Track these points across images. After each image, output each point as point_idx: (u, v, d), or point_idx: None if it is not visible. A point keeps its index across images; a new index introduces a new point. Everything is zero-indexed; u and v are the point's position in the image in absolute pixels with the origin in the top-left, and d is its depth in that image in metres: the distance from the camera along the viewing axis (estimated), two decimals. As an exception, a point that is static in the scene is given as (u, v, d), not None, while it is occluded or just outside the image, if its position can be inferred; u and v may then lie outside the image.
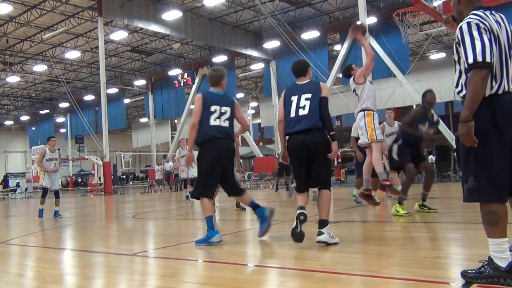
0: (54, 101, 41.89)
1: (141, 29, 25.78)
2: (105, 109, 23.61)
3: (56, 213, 9.68)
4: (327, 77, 25.05)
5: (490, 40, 2.54)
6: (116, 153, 31.43)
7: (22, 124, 48.89)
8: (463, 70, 2.66)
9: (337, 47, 27.89)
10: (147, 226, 7.97)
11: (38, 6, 22.57)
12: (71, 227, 8.21)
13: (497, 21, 2.67)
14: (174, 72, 31.57)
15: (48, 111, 43.05)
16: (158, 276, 3.62)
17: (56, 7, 22.56)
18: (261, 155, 31.13)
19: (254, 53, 28.93)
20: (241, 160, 36.08)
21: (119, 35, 25.70)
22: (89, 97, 37.76)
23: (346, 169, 20.31)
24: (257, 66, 31.91)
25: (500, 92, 2.61)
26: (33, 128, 45.17)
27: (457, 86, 2.73)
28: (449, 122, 33.15)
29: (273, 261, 4.03)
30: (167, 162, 24.29)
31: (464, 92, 2.66)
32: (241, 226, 6.94)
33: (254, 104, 40.62)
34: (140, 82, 35.52)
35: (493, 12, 2.71)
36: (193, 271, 3.82)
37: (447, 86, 25.02)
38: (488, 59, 2.49)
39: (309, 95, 4.57)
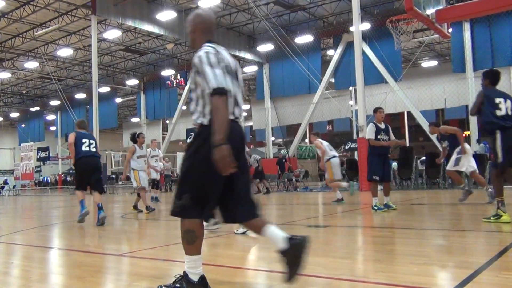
0: (45, 98, 41.58)
1: (135, 28, 25.71)
2: (96, 107, 23.48)
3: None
4: (320, 82, 25.16)
5: (223, 69, 2.72)
6: (106, 152, 31.26)
7: (11, 121, 48.45)
8: (200, 97, 2.75)
9: (330, 52, 28.03)
10: (135, 226, 7.93)
11: (31, 3, 22.42)
12: (58, 225, 8.14)
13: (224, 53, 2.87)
14: (167, 72, 31.49)
15: (38, 108, 42.71)
16: (146, 277, 3.60)
17: (50, 4, 22.42)
18: (252, 158, 31.07)
19: (247, 55, 28.96)
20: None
21: (112, 34, 25.59)
22: (80, 96, 37.52)
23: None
24: (251, 69, 31.94)
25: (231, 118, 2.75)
26: (23, 125, 44.77)
27: (194, 113, 2.80)
28: (440, 129, 33.38)
29: (261, 264, 4.03)
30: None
31: (201, 119, 2.74)
32: (230, 228, 6.92)
33: (246, 107, 40.63)
34: (132, 82, 35.37)
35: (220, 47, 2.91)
36: (181, 273, 3.79)
37: (438, 94, 25.26)
38: (226, 86, 2.64)
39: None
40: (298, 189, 18.94)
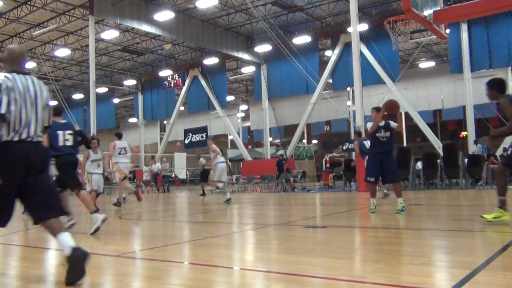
0: (42, 98, 41.48)
1: (133, 28, 25.68)
2: (93, 108, 23.45)
3: None
4: (318, 82, 25.18)
5: (9, 96, 3.31)
6: (104, 152, 31.15)
7: (9, 121, 48.38)
8: None
9: (328, 52, 28.05)
10: (133, 227, 7.91)
11: (29, 3, 22.36)
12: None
13: (22, 82, 3.45)
14: (165, 73, 31.47)
15: (35, 108, 42.61)
16: (143, 278, 3.59)
17: (47, 4, 22.38)
18: (250, 158, 31.12)
19: (245, 56, 28.96)
20: (230, 163, 36.04)
21: (110, 34, 25.55)
22: (78, 96, 37.44)
23: (334, 174, 20.38)
24: (248, 70, 31.94)
25: (16, 139, 3.32)
26: (20, 126, 44.68)
27: None
28: (437, 130, 33.49)
29: (259, 265, 4.02)
30: (155, 163, 24.17)
31: None
32: (227, 229, 6.92)
33: (244, 107, 40.63)
34: (130, 82, 35.32)
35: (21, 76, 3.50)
36: (179, 274, 3.79)
37: (435, 94, 25.31)
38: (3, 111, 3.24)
39: None
40: (296, 190, 18.95)
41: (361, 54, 19.84)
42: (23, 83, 3.46)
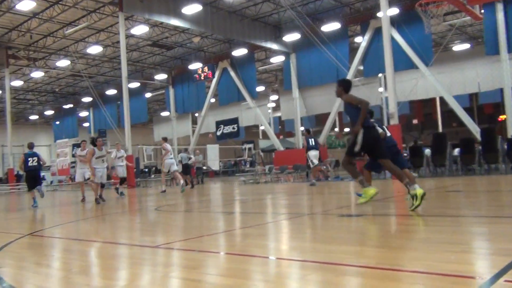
0: (77, 95, 42.52)
1: (161, 23, 25.91)
2: (127, 103, 23.88)
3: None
4: (348, 70, 24.83)
5: None
6: (138, 146, 31.78)
7: (46, 119, 49.85)
8: None
9: (358, 38, 27.57)
10: (169, 218, 8.05)
11: (60, 2, 22.86)
12: (95, 219, 8.36)
13: None
14: (195, 65, 31.68)
15: (71, 105, 43.75)
16: (181, 268, 3.66)
17: (78, 3, 22.83)
18: (282, 148, 31.09)
19: (274, 46, 28.80)
20: (262, 154, 36.08)
21: (139, 30, 25.89)
22: (111, 92, 38.23)
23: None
24: (277, 59, 31.78)
25: None
26: (57, 123, 45.99)
27: None
28: (474, 114, 32.54)
29: (294, 254, 4.02)
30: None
31: None
32: (262, 219, 6.95)
33: (274, 97, 40.52)
34: (161, 76, 35.77)
35: None
36: (216, 263, 3.84)
37: (471, 78, 24.56)
38: None
39: None
40: (329, 179, 18.84)
41: (392, 39, 19.41)
42: None
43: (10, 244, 5.34)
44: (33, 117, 48.59)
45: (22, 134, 43.94)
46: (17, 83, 35.11)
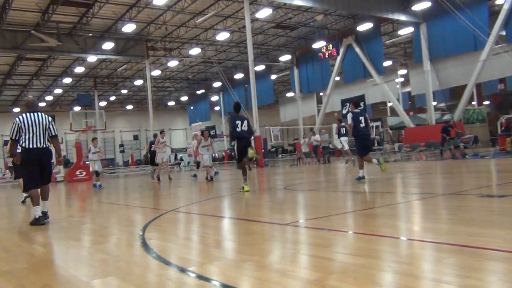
0: (208, 81, 45.09)
1: (285, 4, 26.07)
2: (253, 86, 24.64)
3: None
4: (488, 36, 22.49)
5: (17, 126, 6.04)
6: (266, 127, 32.71)
7: (182, 104, 53.83)
8: None
9: (499, 1, 24.75)
10: (297, 197, 8.18)
11: (191, -7, 24.30)
12: (227, 197, 8.84)
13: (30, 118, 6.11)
14: (318, 44, 31.40)
15: (203, 90, 46.58)
16: (311, 246, 3.70)
17: (206, -8, 24.03)
18: (412, 125, 29.52)
19: (401, 17, 27.22)
20: (390, 132, 34.67)
21: (264, 13, 26.39)
22: (238, 75, 39.80)
23: (512, 138, 18.16)
24: (406, 31, 30.02)
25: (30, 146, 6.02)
26: (192, 107, 49.39)
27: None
28: None
29: (428, 236, 3.80)
30: (314, 135, 24.49)
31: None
32: (393, 199, 6.71)
33: (403, 71, 38.45)
34: (285, 58, 36.17)
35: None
36: (346, 243, 3.81)
37: None
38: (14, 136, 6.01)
39: None
40: (467, 156, 17.42)
41: None
42: (31, 118, 6.07)
43: (157, 218, 5.93)
44: (171, 103, 52.87)
45: (162, 119, 48.11)
46: (156, 72, 38.39)
